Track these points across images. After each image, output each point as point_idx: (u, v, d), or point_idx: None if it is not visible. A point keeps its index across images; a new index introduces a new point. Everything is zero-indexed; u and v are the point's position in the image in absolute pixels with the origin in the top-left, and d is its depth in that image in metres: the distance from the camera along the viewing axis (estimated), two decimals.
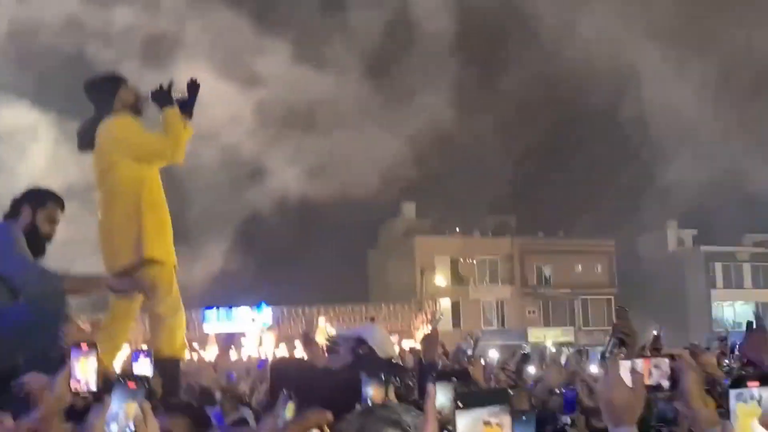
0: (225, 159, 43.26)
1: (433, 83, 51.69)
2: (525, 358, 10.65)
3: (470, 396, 1.85)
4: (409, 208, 58.92)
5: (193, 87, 6.19)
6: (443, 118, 48.37)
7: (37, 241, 4.70)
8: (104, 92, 6.02)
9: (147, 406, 2.40)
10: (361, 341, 4.96)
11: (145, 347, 5.89)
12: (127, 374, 2.53)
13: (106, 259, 5.88)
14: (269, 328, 41.56)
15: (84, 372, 2.83)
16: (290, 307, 43.35)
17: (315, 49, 46.76)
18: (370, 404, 3.24)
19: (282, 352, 38.67)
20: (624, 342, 5.81)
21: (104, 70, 6.40)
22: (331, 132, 47.18)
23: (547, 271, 59.03)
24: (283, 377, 4.05)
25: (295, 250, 49.17)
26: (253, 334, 40.87)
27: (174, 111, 6.03)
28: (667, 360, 2.68)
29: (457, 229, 57.89)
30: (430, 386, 2.10)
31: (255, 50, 45.47)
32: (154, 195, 5.95)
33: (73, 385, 2.80)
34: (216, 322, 41.41)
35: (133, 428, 2.38)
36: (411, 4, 48.20)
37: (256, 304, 42.43)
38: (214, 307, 41.90)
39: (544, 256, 58.48)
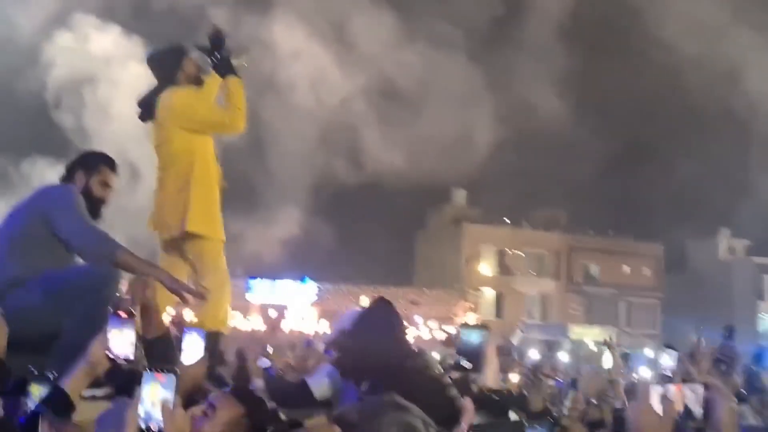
0: (308, 122, 43.77)
1: (531, 70, 50.53)
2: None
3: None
4: (459, 195, 58.72)
5: (218, 39, 6.15)
6: (528, 107, 47.92)
7: (92, 205, 4.73)
8: (167, 64, 6.08)
9: (176, 400, 2.46)
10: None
11: (194, 320, 6.02)
12: (157, 365, 2.51)
13: (156, 230, 6.02)
14: (312, 304, 41.92)
15: (120, 341, 2.92)
16: (334, 284, 43.53)
17: (417, 24, 46.65)
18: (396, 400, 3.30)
19: (323, 327, 39.09)
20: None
21: (169, 43, 6.34)
22: (418, 110, 47.00)
23: (593, 269, 58.55)
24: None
25: (346, 225, 49.22)
26: (296, 307, 41.35)
27: (236, 80, 6.05)
28: (701, 387, 2.68)
29: (507, 220, 57.62)
30: (468, 402, 2.14)
31: (355, 16, 45.65)
32: (205, 168, 5.98)
33: (109, 353, 2.90)
34: (260, 292, 41.75)
35: (160, 421, 2.44)
36: None
37: (301, 278, 42.68)
38: (259, 278, 42.23)
39: (592, 254, 58.00)
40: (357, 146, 46.98)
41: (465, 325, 3.75)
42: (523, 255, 57.16)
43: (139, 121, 6.14)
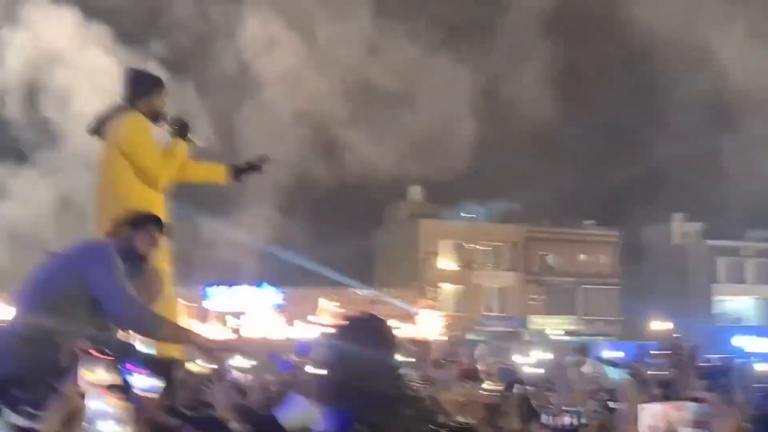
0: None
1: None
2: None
3: None
4: (415, 191, 58.86)
5: (183, 127, 6.36)
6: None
7: (135, 263, 4.71)
8: (142, 87, 6.20)
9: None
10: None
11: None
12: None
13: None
14: (273, 309, 41.76)
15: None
16: (293, 287, 43.38)
17: (398, 21, 46.68)
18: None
19: (286, 332, 38.96)
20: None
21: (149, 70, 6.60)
22: (393, 107, 47.05)
23: (550, 259, 59.03)
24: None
25: (310, 226, 49.17)
26: (256, 313, 41.14)
27: (183, 146, 6.29)
28: (691, 406, 2.49)
29: (463, 215, 57.86)
30: None
31: (336, 11, 45.52)
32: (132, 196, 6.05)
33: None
34: (217, 299, 41.53)
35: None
36: None
37: (258, 283, 42.52)
38: (215, 285, 42.02)
39: (549, 244, 58.48)
40: (326, 145, 46.95)
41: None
42: (481, 248, 57.48)
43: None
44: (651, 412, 2.38)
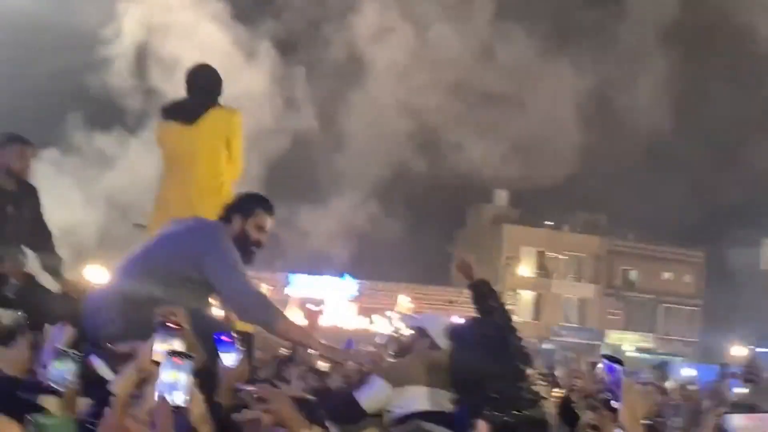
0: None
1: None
2: None
3: None
4: (501, 195, 58.65)
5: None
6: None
7: (247, 249, 4.74)
8: (219, 88, 6.29)
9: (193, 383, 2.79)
10: (423, 332, 5.14)
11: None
12: (175, 351, 2.86)
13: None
14: (352, 300, 42.19)
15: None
16: (373, 281, 43.70)
17: (511, 24, 46.32)
18: None
19: (360, 323, 39.39)
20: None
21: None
22: (503, 111, 46.48)
23: (633, 274, 58.22)
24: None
25: (385, 222, 49.19)
26: (334, 303, 41.65)
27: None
28: None
29: (547, 222, 57.48)
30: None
31: (452, 8, 45.51)
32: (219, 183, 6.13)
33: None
34: (299, 286, 42.11)
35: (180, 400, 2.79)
36: None
37: (340, 274, 42.91)
38: (298, 272, 42.57)
39: (632, 259, 57.66)
40: (423, 141, 46.65)
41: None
42: (562, 258, 57.03)
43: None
44: (735, 423, 2.48)
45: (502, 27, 46.08)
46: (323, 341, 4.60)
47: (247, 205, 4.86)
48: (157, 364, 2.96)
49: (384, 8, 44.97)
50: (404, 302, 40.40)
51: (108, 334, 4.09)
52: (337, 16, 45.66)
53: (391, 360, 5.33)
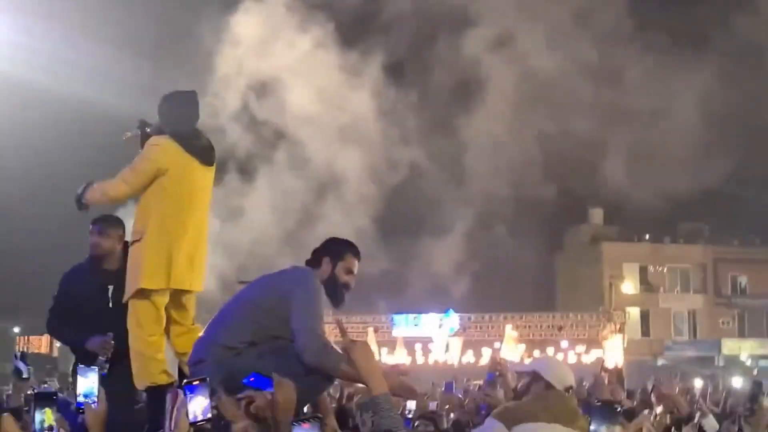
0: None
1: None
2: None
3: None
4: (596, 213, 57.94)
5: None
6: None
7: (337, 291, 4.93)
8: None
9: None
10: (537, 376, 5.17)
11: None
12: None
13: (171, 285, 5.81)
14: (455, 334, 42.02)
15: (197, 405, 3.46)
16: (477, 314, 43.42)
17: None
18: None
19: (468, 358, 39.20)
20: None
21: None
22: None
23: (742, 280, 56.67)
24: None
25: (486, 252, 48.65)
26: (439, 339, 41.57)
27: None
28: None
29: (647, 236, 56.48)
30: None
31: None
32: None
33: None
34: (404, 326, 42.17)
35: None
36: None
37: (444, 311, 42.79)
38: (403, 313, 42.60)
39: (740, 264, 56.11)
40: (521, 162, 45.98)
41: None
42: (666, 271, 55.88)
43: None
44: None
45: (621, 37, 45.14)
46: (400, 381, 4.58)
47: (336, 249, 5.01)
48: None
49: (501, 21, 44.23)
50: (512, 333, 40.08)
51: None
52: (450, 33, 45.16)
53: (509, 403, 5.39)
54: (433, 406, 8.65)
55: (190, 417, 3.41)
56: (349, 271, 4.96)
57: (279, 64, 40.66)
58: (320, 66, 40.87)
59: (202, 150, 5.90)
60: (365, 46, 42.70)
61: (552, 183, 47.04)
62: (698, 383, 18.47)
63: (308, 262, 5.00)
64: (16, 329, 57.35)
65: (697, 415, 6.61)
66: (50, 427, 3.34)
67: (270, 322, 4.71)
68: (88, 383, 3.66)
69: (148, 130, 6.03)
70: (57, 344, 53.83)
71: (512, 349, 37.21)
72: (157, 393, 5.31)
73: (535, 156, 45.40)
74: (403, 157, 42.99)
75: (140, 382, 5.66)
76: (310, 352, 4.56)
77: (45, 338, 54.27)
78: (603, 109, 44.97)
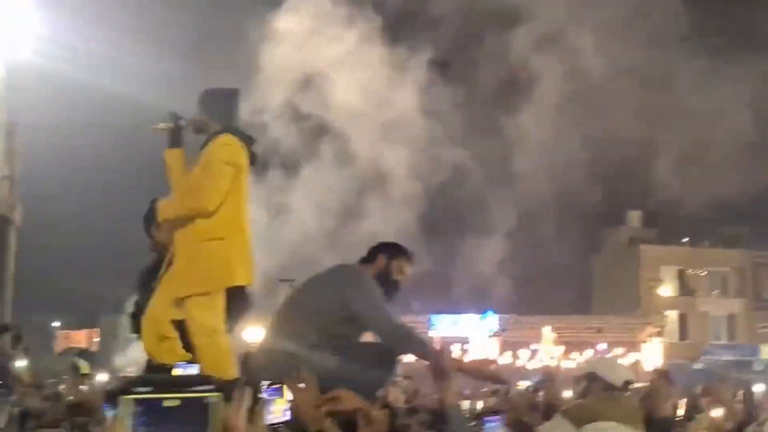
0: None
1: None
2: None
3: None
4: (635, 216, 57.61)
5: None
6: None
7: (389, 285, 5.02)
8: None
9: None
10: (594, 376, 5.27)
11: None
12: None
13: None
14: (494, 335, 42.02)
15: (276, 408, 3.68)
16: (516, 315, 43.31)
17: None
18: None
19: (506, 359, 39.21)
20: None
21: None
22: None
23: None
24: None
25: (521, 253, 48.54)
26: (478, 340, 41.56)
27: None
28: None
29: (685, 239, 56.08)
30: None
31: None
32: None
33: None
34: (442, 327, 42.19)
35: None
36: None
37: (482, 312, 42.77)
38: (443, 313, 42.59)
39: None
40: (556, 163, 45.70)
41: None
42: (705, 274, 55.45)
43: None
44: None
45: (669, 39, 44.66)
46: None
47: (393, 249, 5.18)
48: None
49: (550, 20, 43.80)
50: (549, 335, 40.01)
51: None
52: (497, 30, 44.82)
53: (576, 402, 5.48)
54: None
55: (269, 419, 3.57)
56: (402, 271, 5.10)
57: (325, 59, 40.51)
58: (366, 61, 40.72)
59: (251, 149, 5.96)
60: (412, 42, 42.51)
61: (594, 185, 46.74)
62: (760, 388, 18.34)
63: (363, 259, 5.12)
64: (56, 323, 57.95)
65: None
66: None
67: (327, 323, 4.80)
68: None
69: (183, 123, 5.96)
70: (96, 339, 54.48)
71: (550, 351, 37.18)
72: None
73: (578, 157, 45.02)
74: (446, 156, 42.78)
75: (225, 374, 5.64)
76: (404, 342, 4.74)
77: (84, 333, 54.90)
78: (647, 112, 44.55)
